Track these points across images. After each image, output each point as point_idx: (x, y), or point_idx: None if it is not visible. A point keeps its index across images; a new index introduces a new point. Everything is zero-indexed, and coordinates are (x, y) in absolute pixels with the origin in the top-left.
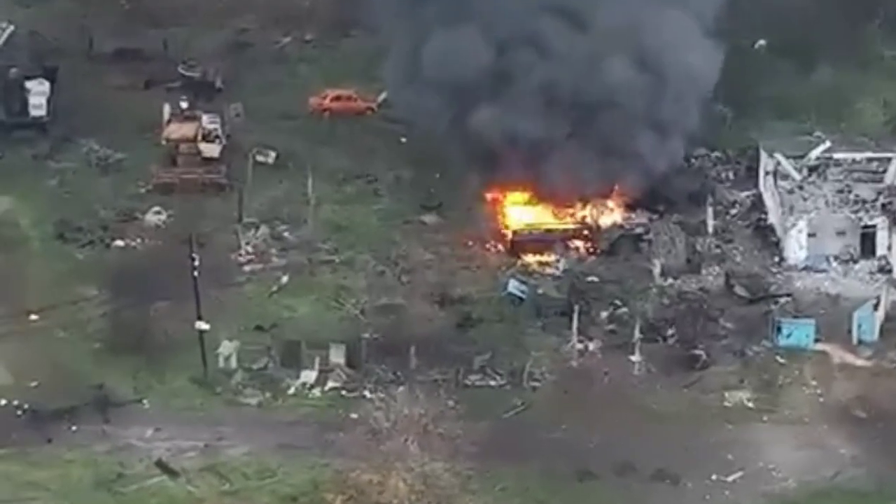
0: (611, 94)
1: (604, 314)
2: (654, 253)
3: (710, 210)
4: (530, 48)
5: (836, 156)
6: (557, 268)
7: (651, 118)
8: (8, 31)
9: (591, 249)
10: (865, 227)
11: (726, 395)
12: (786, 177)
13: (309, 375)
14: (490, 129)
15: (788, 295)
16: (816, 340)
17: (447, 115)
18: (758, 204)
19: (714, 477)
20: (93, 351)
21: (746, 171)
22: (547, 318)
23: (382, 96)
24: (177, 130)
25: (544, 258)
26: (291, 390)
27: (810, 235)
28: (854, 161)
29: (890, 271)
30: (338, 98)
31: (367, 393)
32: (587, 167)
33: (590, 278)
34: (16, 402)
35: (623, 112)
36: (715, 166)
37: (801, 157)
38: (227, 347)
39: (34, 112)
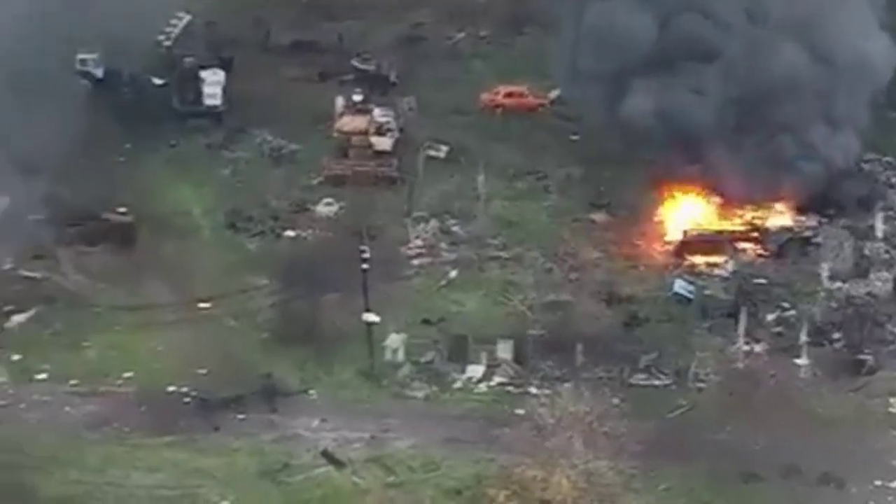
0: (782, 84)
1: (771, 316)
2: (822, 256)
3: (879, 215)
4: (696, 21)
5: None
6: (725, 269)
7: (824, 111)
8: (185, 21)
9: (760, 251)
10: None
11: (892, 400)
12: None
13: (475, 370)
14: (643, 118)
15: None
16: None
17: (607, 104)
18: None
19: (878, 482)
20: (262, 341)
21: None
22: (713, 319)
23: (555, 93)
24: (349, 123)
25: (712, 259)
26: (458, 384)
27: None
28: None
29: None
30: (510, 94)
31: (532, 389)
32: (756, 164)
33: (757, 280)
34: (184, 390)
35: (795, 103)
36: (885, 171)
37: None
38: (394, 340)
39: (208, 101)
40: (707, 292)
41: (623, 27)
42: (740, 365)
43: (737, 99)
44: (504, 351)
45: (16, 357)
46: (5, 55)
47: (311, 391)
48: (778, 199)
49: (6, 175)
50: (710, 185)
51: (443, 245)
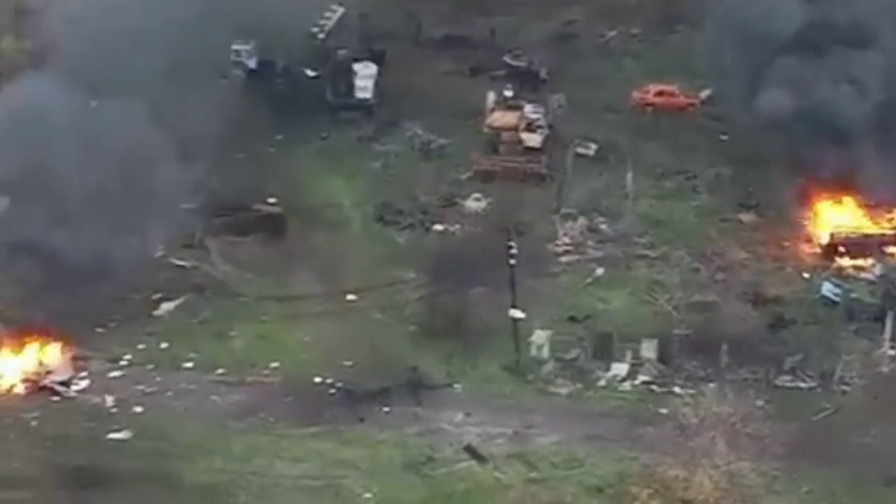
0: None
1: None
2: None
3: None
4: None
5: None
6: (873, 272)
7: None
8: (339, 14)
9: None
10: None
11: None
12: None
13: (620, 368)
14: (779, 111)
15: None
16: None
17: (746, 98)
18: None
19: None
20: (408, 334)
21: None
22: (860, 323)
23: (705, 93)
24: (500, 119)
25: (860, 262)
26: (602, 382)
27: None
28: None
29: None
30: (661, 93)
31: (676, 389)
32: None
33: None
34: (330, 381)
35: None
36: None
37: None
38: (540, 336)
39: (360, 94)
40: (853, 295)
41: (764, 9)
42: (885, 369)
43: (887, 91)
44: (649, 350)
45: (164, 345)
46: (167, 44)
47: (456, 385)
48: None
49: (162, 162)
50: (859, 186)
51: (590, 243)
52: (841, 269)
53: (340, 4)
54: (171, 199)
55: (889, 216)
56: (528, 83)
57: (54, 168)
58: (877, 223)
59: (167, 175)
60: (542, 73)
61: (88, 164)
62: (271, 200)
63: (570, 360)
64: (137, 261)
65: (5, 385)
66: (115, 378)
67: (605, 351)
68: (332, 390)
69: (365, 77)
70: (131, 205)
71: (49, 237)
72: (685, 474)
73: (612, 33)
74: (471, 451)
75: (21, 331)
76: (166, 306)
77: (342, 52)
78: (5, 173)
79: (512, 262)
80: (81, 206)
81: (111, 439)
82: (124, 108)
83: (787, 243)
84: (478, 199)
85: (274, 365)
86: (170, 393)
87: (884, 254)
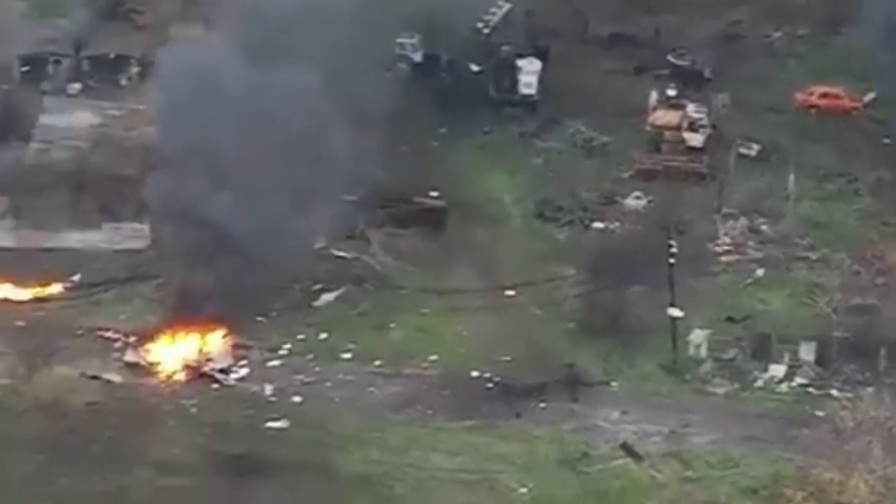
0: None
1: None
2: None
3: None
4: None
5: None
6: None
7: None
8: (505, 9)
9: None
10: None
11: None
12: None
13: (778, 370)
14: None
15: None
16: None
17: None
18: None
19: None
20: (566, 330)
21: None
22: None
23: (870, 96)
24: (662, 118)
25: None
26: (759, 383)
27: None
28: None
29: None
30: (825, 95)
31: (834, 392)
32: None
33: None
34: (487, 375)
35: None
36: None
37: None
38: (698, 336)
39: (524, 90)
40: None
41: None
42: None
43: None
44: (807, 352)
45: (323, 335)
46: (338, 27)
47: (613, 383)
48: None
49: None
50: None
51: (750, 243)
52: None
53: (507, 0)
54: (337, 181)
55: None
56: (692, 82)
57: (223, 140)
58: None
59: (336, 153)
60: (706, 73)
61: (258, 136)
62: (433, 194)
63: (727, 360)
64: (300, 249)
65: (166, 372)
66: (274, 367)
67: (763, 352)
68: (490, 385)
69: (529, 73)
70: (300, 182)
71: (213, 211)
72: (840, 478)
73: (778, 34)
74: (627, 448)
75: (182, 318)
76: (326, 297)
77: (506, 47)
78: (176, 144)
79: (671, 260)
80: (247, 181)
81: (269, 428)
82: (298, 81)
83: None
84: (638, 198)
85: (432, 358)
86: (328, 383)
87: None
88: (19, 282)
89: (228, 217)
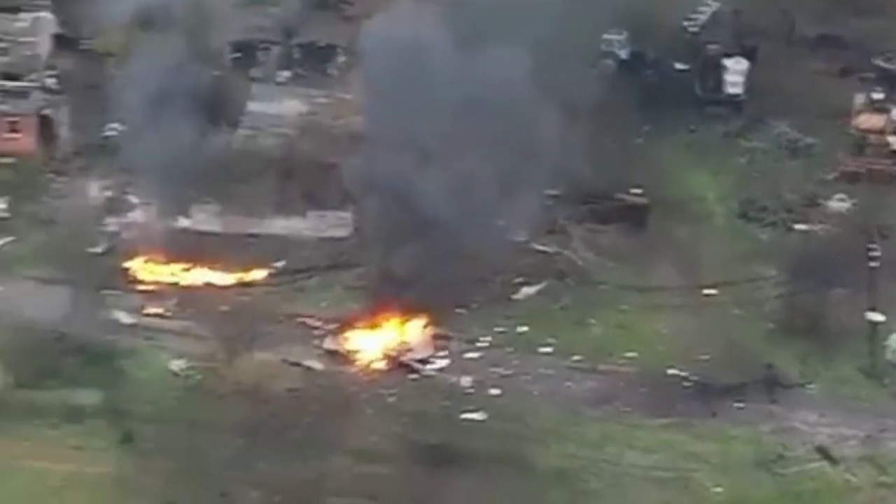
0: None
1: None
2: None
3: None
4: None
5: None
6: None
7: None
8: (713, 9)
9: None
10: None
11: None
12: None
13: None
14: None
15: None
16: None
17: None
18: None
19: None
20: (765, 331)
21: None
22: None
23: None
24: (868, 121)
25: None
26: None
27: None
28: None
29: None
30: None
31: None
32: None
33: None
34: (685, 374)
35: None
36: None
37: None
38: None
39: (730, 90)
40: None
41: None
42: None
43: None
44: None
45: (522, 329)
46: (548, 28)
47: (811, 385)
48: None
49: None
50: None
51: None
52: None
53: (715, 0)
54: (542, 173)
55: None
56: None
57: (431, 120)
58: None
59: (543, 145)
60: None
61: (468, 120)
62: (636, 191)
63: None
64: (502, 240)
65: (365, 360)
66: (472, 359)
67: None
68: (687, 383)
69: (736, 72)
70: (507, 170)
71: (418, 193)
72: None
73: None
74: (822, 451)
75: (382, 306)
76: (527, 290)
77: (713, 47)
78: (381, 121)
79: (873, 264)
80: (454, 165)
81: (466, 419)
82: (508, 67)
83: None
84: (842, 200)
85: (630, 354)
86: (526, 377)
87: None
88: (224, 267)
89: (433, 200)
